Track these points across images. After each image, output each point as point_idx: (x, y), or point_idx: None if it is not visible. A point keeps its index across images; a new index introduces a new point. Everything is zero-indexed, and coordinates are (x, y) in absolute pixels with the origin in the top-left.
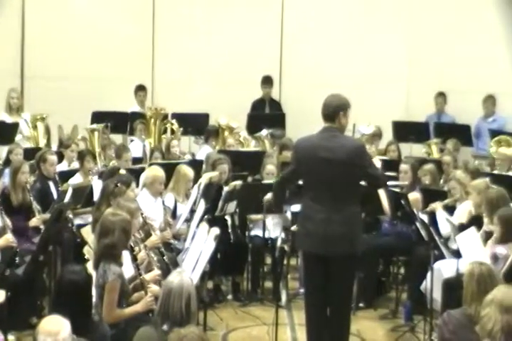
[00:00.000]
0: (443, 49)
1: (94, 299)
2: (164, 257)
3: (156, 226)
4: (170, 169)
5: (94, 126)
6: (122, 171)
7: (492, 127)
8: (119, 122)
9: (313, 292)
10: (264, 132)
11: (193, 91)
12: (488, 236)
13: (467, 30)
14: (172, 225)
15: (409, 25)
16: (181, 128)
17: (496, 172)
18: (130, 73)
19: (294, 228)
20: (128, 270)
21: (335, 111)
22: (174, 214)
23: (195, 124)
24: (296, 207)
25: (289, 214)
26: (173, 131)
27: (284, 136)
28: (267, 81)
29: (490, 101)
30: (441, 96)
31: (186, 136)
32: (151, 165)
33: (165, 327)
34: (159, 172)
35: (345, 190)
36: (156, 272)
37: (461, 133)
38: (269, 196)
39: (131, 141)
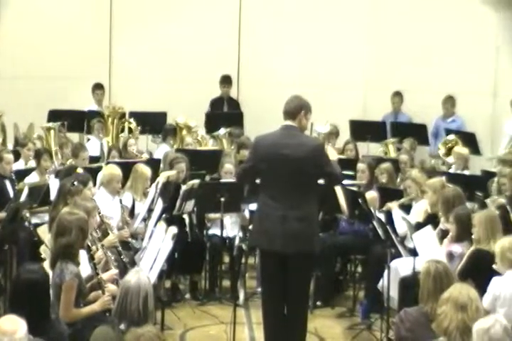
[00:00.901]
0: (400, 49)
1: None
2: (122, 256)
3: (113, 225)
4: (127, 168)
5: (51, 124)
6: (79, 170)
7: (451, 127)
8: (76, 121)
9: (271, 290)
10: (223, 131)
11: (150, 90)
12: (444, 234)
13: (425, 30)
14: (130, 224)
15: (367, 25)
16: (139, 127)
17: (451, 171)
18: (87, 71)
19: (252, 226)
20: (85, 269)
21: (296, 109)
22: (132, 213)
23: (153, 123)
24: (254, 206)
25: (247, 213)
26: (130, 130)
27: (243, 134)
28: (226, 80)
29: (450, 101)
30: (398, 95)
31: (144, 135)
32: (108, 163)
33: (122, 326)
34: (116, 171)
35: (303, 187)
36: (114, 271)
37: (418, 133)
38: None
39: (88, 139)
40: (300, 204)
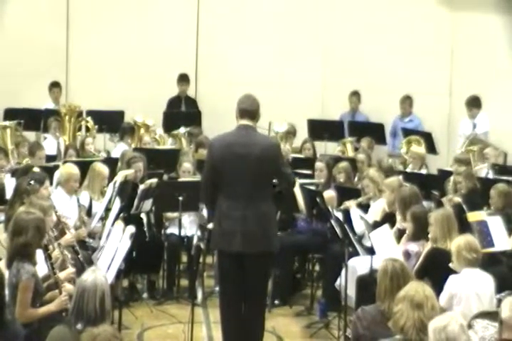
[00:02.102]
0: (358, 48)
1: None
2: (79, 255)
3: (70, 225)
4: (84, 167)
5: (7, 123)
6: (36, 169)
7: (408, 127)
8: (32, 119)
9: (229, 290)
10: (182, 130)
11: (108, 89)
12: (401, 233)
13: (382, 30)
14: (87, 223)
15: (324, 23)
16: (96, 126)
17: (408, 170)
18: (44, 69)
19: (210, 226)
20: (42, 269)
21: (258, 109)
22: (89, 212)
23: (111, 122)
24: None
25: (205, 212)
26: (88, 129)
27: (201, 133)
28: (183, 79)
29: (407, 101)
30: (356, 95)
31: (101, 134)
32: (65, 162)
33: (79, 326)
34: (74, 170)
35: (260, 186)
36: (70, 270)
37: (375, 132)
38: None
39: (45, 138)
40: (259, 203)
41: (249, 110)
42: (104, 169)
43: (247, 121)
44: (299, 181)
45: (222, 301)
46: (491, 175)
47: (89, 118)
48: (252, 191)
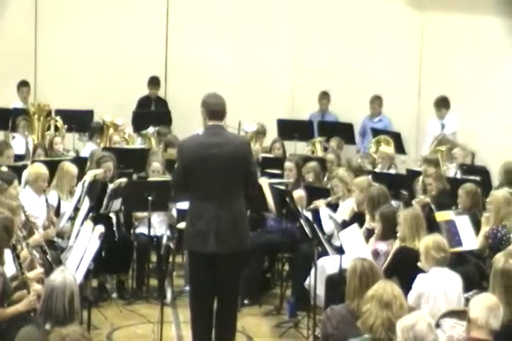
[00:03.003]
0: (327, 49)
1: None
2: (47, 255)
3: (39, 224)
4: (53, 166)
5: None
6: (4, 168)
7: (377, 127)
8: (0, 118)
9: (200, 290)
10: (151, 129)
11: (77, 88)
12: (369, 233)
13: (351, 31)
14: (56, 223)
15: (293, 24)
16: (65, 125)
17: (377, 170)
18: (12, 68)
19: (180, 225)
20: (10, 269)
21: (225, 108)
22: (58, 212)
23: (80, 121)
24: (181, 205)
25: (174, 212)
26: (57, 128)
27: (170, 133)
28: (154, 82)
29: (377, 101)
30: (325, 96)
31: (70, 133)
32: (33, 162)
33: (47, 326)
34: (42, 170)
35: (232, 186)
36: (39, 270)
37: (345, 132)
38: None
39: (13, 137)
40: (231, 203)
41: (218, 110)
42: (72, 168)
43: (216, 121)
44: (268, 181)
45: (192, 301)
46: (459, 175)
47: (58, 118)
48: (224, 191)
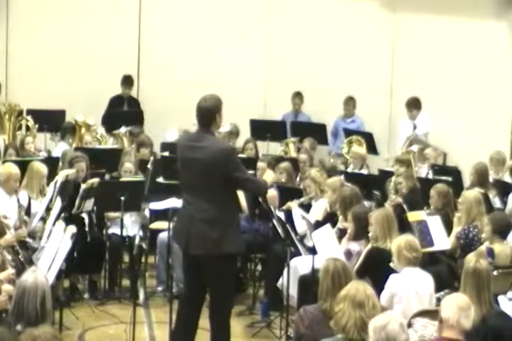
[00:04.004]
0: (300, 49)
1: None
2: (19, 256)
3: (10, 225)
4: (24, 166)
5: None
6: None
7: (350, 127)
8: None
9: (185, 291)
10: (123, 129)
11: (48, 88)
12: (342, 233)
13: (324, 31)
14: (27, 223)
15: (266, 25)
16: (37, 125)
17: (349, 170)
18: None
19: (152, 225)
20: None
21: (211, 116)
22: (28, 212)
23: (51, 121)
24: (154, 205)
25: (147, 212)
26: (28, 128)
27: (142, 133)
28: (127, 81)
29: (351, 102)
30: (298, 96)
31: (42, 133)
32: (4, 162)
33: (19, 327)
34: (14, 170)
35: (212, 190)
36: (10, 271)
37: (317, 132)
38: None
39: None
40: (206, 207)
41: (200, 118)
42: (42, 168)
43: (203, 125)
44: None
45: (180, 300)
46: (430, 176)
47: (29, 117)
48: (200, 194)
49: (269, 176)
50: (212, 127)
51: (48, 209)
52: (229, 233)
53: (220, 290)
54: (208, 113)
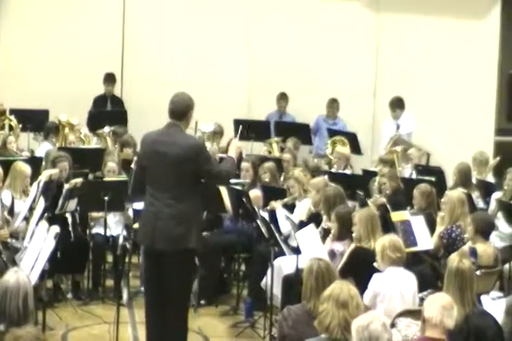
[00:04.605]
0: (284, 49)
1: None
2: (2, 256)
3: None
4: (7, 166)
5: None
6: None
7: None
8: None
9: (150, 289)
10: (107, 129)
11: (32, 87)
12: (326, 233)
13: (308, 31)
14: (10, 223)
15: (251, 24)
16: (20, 125)
17: (333, 170)
18: None
19: (136, 225)
20: None
21: (186, 110)
22: (11, 212)
23: (35, 120)
24: (138, 205)
25: (130, 212)
26: (11, 127)
27: (126, 133)
28: (109, 78)
29: (335, 105)
30: (284, 97)
31: (25, 133)
32: None
33: (1, 327)
34: None
35: (177, 185)
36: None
37: (301, 132)
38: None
39: None
40: (173, 202)
41: (174, 111)
42: (25, 168)
43: (174, 120)
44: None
45: (145, 300)
46: (414, 176)
47: (12, 117)
48: (169, 189)
49: (233, 148)
50: (182, 123)
51: (31, 209)
52: (193, 229)
53: (180, 288)
54: (183, 108)
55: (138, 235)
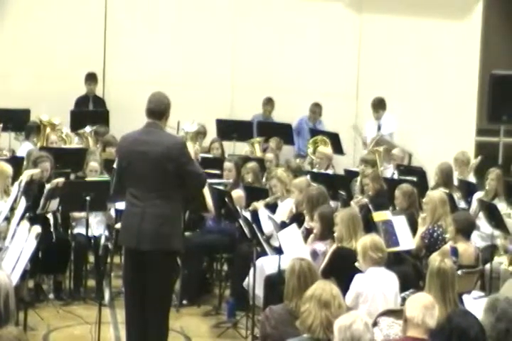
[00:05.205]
0: (267, 49)
1: None
2: None
3: None
4: None
5: None
6: None
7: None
8: None
9: (130, 289)
10: (88, 129)
11: (13, 86)
12: (308, 232)
13: (291, 32)
14: None
15: (234, 24)
16: (1, 124)
17: (315, 170)
18: None
19: (118, 225)
20: None
21: (165, 109)
22: None
23: (16, 120)
24: (120, 205)
25: (112, 212)
26: None
27: (108, 132)
28: (91, 78)
29: (317, 109)
30: (270, 102)
31: (6, 132)
32: None
33: None
34: None
35: (162, 185)
36: None
37: (283, 132)
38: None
39: None
40: (158, 202)
41: (154, 110)
42: (7, 168)
43: (153, 119)
44: (207, 181)
45: (125, 301)
46: (396, 176)
47: None
48: (152, 189)
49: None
50: (162, 122)
51: (12, 209)
52: (177, 230)
53: (163, 288)
54: (162, 107)
55: (121, 236)
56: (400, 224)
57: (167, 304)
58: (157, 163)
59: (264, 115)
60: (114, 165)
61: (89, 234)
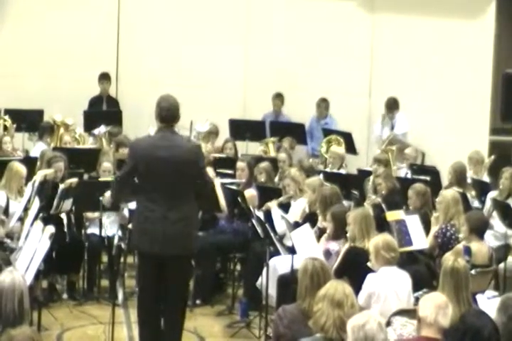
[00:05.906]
0: (280, 49)
1: None
2: None
3: None
4: (2, 166)
5: None
6: None
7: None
8: None
9: (147, 291)
10: (103, 129)
11: (26, 87)
12: (321, 232)
13: (303, 31)
14: (5, 223)
15: (246, 24)
16: (15, 125)
17: (327, 170)
18: None
19: (131, 225)
20: None
21: (179, 113)
22: (6, 212)
23: (29, 121)
24: (133, 205)
25: (126, 212)
26: (5, 128)
27: (121, 133)
28: (104, 77)
29: (324, 104)
30: (279, 97)
31: (20, 133)
32: None
33: None
34: None
35: (183, 188)
36: None
37: (296, 132)
38: (107, 194)
39: None
40: (179, 205)
41: (169, 115)
42: (21, 168)
43: (168, 124)
44: (220, 181)
45: (139, 301)
46: (409, 175)
47: (7, 117)
48: (173, 193)
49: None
50: (174, 126)
51: (26, 210)
52: (196, 231)
53: (182, 289)
54: (178, 112)
55: (139, 242)
56: (414, 223)
57: (185, 304)
58: (178, 167)
59: (274, 110)
60: (118, 173)
61: (103, 234)
